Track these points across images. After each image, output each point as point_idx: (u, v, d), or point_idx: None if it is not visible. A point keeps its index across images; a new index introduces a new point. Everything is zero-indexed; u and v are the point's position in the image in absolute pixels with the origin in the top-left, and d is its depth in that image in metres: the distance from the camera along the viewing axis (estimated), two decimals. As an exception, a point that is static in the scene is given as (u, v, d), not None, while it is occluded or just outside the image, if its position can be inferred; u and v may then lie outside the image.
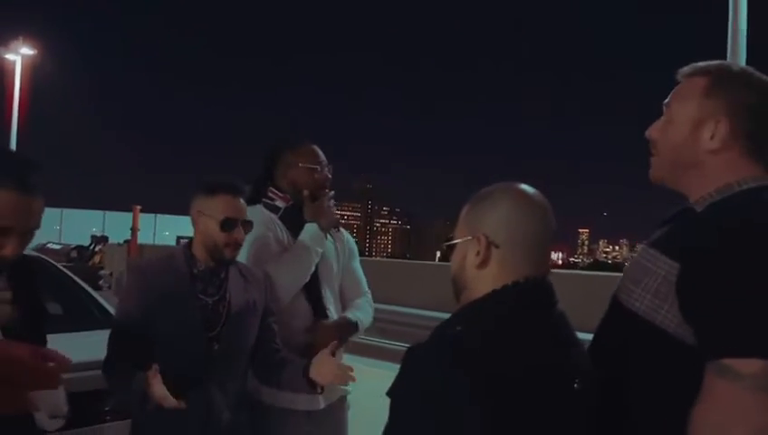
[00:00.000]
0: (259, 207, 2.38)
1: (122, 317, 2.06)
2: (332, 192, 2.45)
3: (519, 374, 1.06)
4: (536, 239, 1.18)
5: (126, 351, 1.98)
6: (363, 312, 2.47)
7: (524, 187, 1.21)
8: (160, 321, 1.99)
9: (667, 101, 1.32)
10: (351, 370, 1.93)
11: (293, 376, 2.05)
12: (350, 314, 2.41)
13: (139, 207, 17.32)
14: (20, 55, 22.15)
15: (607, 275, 9.13)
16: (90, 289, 3.58)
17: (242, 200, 2.08)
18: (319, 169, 2.42)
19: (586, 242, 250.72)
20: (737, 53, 7.16)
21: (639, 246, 1.35)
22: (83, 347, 2.24)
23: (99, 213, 36.90)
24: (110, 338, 2.03)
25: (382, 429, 1.07)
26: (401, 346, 8.02)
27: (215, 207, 2.04)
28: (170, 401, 1.76)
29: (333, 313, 2.39)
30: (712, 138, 1.25)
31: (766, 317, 1.06)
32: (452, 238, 1.24)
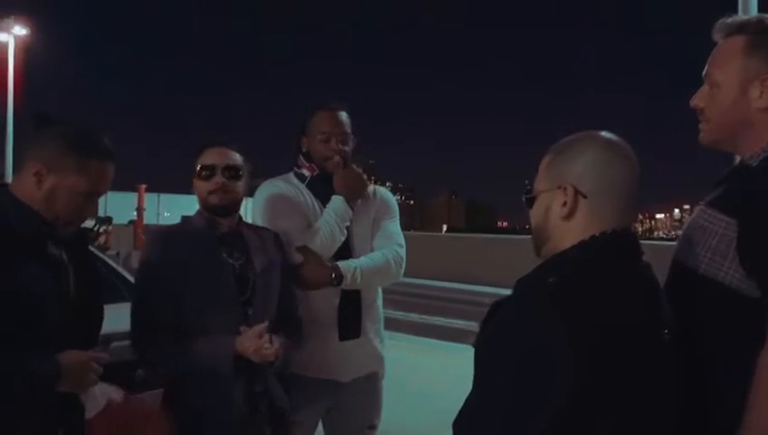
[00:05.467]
0: (288, 176, 2.37)
1: (146, 288, 2.00)
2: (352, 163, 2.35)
3: (614, 323, 1.04)
4: (623, 188, 1.15)
5: (155, 322, 1.94)
6: (366, 259, 2.29)
7: (608, 134, 1.18)
8: (190, 289, 1.93)
9: (707, 68, 1.34)
10: (276, 349, 1.91)
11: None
12: (342, 263, 2.25)
13: (144, 187, 17.05)
14: (13, 35, 21.69)
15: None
16: (113, 263, 3.59)
17: (226, 149, 2.05)
18: (325, 138, 2.31)
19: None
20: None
21: (696, 208, 1.36)
22: (112, 319, 2.27)
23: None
24: (134, 310, 1.99)
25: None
26: (420, 318, 8.11)
27: (196, 164, 2.05)
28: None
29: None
30: (761, 96, 1.28)
31: None
32: (531, 190, 1.21)
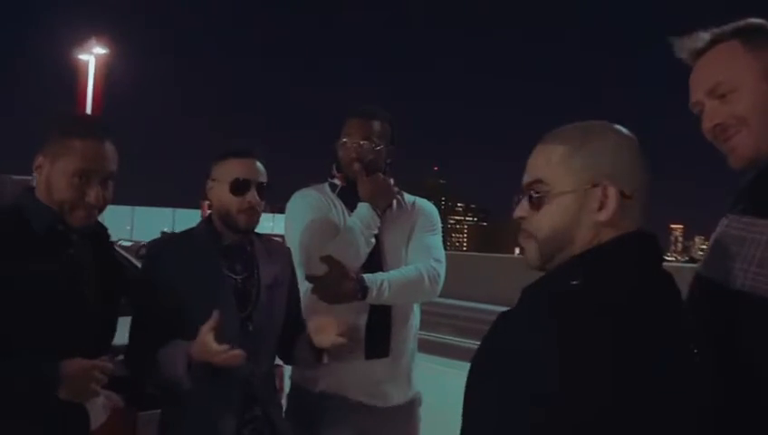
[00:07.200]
0: (322, 186, 2.35)
1: (144, 304, 1.95)
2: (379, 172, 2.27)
3: (642, 336, 0.97)
4: (649, 186, 1.09)
5: (151, 340, 1.87)
6: (396, 272, 2.19)
7: (621, 127, 1.11)
8: (188, 304, 1.88)
9: (705, 87, 1.23)
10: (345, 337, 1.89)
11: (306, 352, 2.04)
12: (368, 276, 2.13)
13: (207, 204, 17.25)
14: (93, 55, 22.47)
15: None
16: None
17: (257, 163, 1.98)
18: (347, 143, 2.25)
19: (680, 239, 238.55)
20: None
21: (723, 220, 1.25)
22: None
23: (168, 210, 37.60)
24: (131, 328, 1.94)
25: (456, 428, 1.04)
26: (475, 344, 7.50)
27: (224, 172, 1.96)
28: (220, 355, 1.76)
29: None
30: None
31: None
32: (536, 188, 1.08)
